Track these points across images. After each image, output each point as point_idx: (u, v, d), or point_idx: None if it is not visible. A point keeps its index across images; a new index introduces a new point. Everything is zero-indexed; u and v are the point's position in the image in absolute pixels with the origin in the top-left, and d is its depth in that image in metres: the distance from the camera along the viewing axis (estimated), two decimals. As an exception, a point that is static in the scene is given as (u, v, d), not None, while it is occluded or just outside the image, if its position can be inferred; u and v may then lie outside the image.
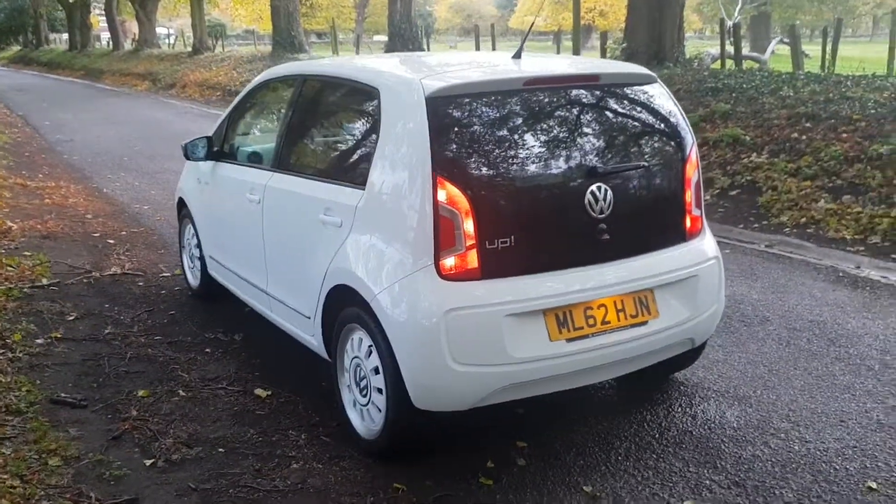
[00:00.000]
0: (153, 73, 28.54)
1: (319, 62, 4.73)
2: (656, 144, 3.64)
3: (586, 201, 3.26)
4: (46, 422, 3.61)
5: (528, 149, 3.27)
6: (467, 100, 3.25)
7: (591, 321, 3.29)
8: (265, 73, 4.75)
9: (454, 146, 3.16)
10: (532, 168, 3.26)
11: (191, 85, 24.52)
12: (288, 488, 3.19)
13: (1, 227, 7.07)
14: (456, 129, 3.19)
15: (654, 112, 3.67)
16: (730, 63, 13.83)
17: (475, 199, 3.09)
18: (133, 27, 42.81)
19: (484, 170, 3.18)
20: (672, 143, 3.67)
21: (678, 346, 3.67)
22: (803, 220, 7.47)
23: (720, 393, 4.02)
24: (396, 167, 3.24)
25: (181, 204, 5.60)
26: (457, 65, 3.73)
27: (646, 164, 3.52)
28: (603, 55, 15.60)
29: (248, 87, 4.83)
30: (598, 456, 3.45)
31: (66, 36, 47.57)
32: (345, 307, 3.47)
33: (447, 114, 3.17)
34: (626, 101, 3.61)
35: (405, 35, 18.28)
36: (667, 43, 12.50)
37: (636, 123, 3.61)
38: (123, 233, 7.46)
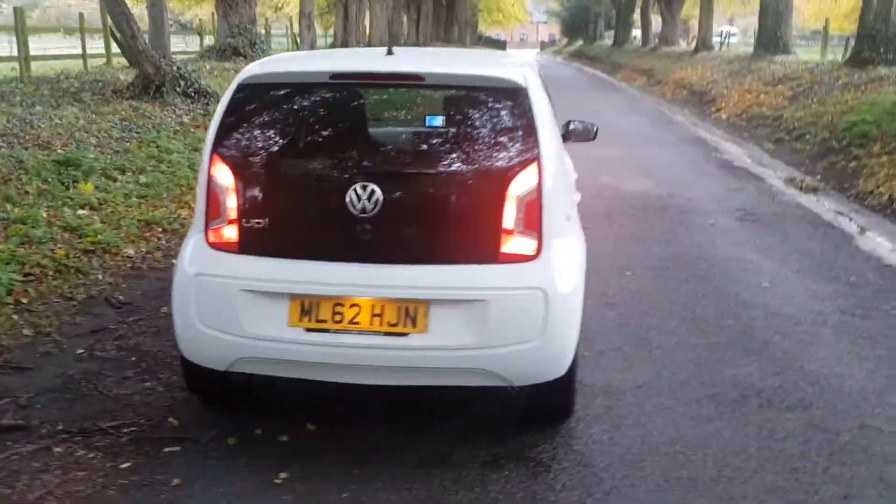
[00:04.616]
0: (653, 69, 29.46)
1: None
2: (472, 156, 3.27)
3: (348, 199, 3.21)
4: (73, 309, 4.85)
5: (305, 139, 3.36)
6: (272, 89, 3.47)
7: (337, 317, 3.25)
8: None
9: (240, 129, 3.43)
10: (302, 157, 3.36)
11: (670, 83, 24.80)
12: (125, 397, 3.85)
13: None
14: (248, 113, 3.45)
15: (488, 122, 3.31)
16: None
17: (240, 179, 3.34)
18: (692, 26, 43.98)
19: (257, 153, 3.39)
20: (499, 157, 3.26)
21: (472, 375, 3.29)
22: None
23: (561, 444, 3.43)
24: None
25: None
26: (313, 57, 3.87)
27: (436, 171, 3.25)
28: None
29: None
30: (348, 456, 3.37)
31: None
32: None
33: (246, 99, 3.45)
34: (451, 106, 3.33)
35: (877, 36, 15.81)
36: None
37: (452, 130, 3.30)
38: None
